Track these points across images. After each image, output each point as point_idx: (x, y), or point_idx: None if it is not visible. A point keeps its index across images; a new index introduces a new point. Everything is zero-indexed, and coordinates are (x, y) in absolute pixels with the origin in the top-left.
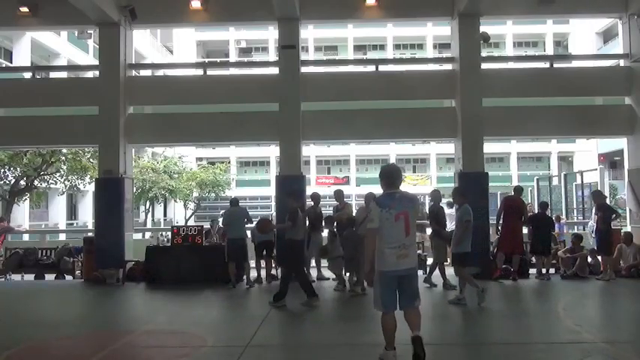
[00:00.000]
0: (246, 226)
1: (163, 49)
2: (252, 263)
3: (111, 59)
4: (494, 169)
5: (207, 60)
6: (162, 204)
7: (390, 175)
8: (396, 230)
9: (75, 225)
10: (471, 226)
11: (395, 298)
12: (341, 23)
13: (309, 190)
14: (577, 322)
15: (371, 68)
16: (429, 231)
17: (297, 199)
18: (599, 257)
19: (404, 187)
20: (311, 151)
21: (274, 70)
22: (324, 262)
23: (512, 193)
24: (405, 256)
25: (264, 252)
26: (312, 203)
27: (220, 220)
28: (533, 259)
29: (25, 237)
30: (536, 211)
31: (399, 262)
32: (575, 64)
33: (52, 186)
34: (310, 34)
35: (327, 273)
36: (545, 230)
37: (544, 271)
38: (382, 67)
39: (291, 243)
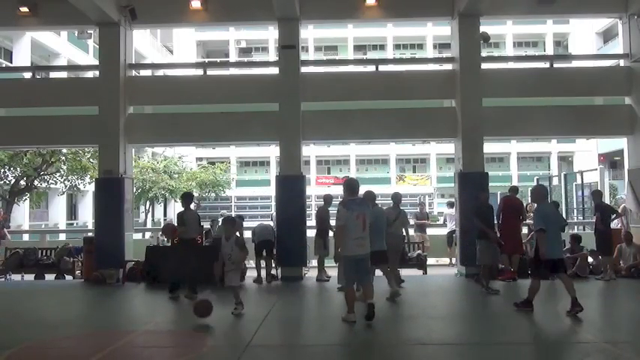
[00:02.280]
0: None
1: (163, 49)
2: (252, 263)
3: (111, 59)
4: (494, 169)
5: (207, 60)
6: (162, 204)
7: (353, 186)
8: (356, 226)
9: (75, 225)
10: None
11: (354, 277)
12: (341, 23)
13: (309, 191)
14: (577, 322)
15: (371, 68)
16: (429, 231)
17: (188, 203)
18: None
19: (404, 187)
20: (311, 151)
21: (274, 70)
22: (326, 263)
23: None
24: (362, 246)
25: (264, 252)
26: (323, 203)
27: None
28: None
29: (25, 237)
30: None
31: (358, 249)
32: (575, 64)
33: (52, 186)
34: (310, 34)
35: (328, 272)
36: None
37: None
38: (382, 67)
39: (180, 241)
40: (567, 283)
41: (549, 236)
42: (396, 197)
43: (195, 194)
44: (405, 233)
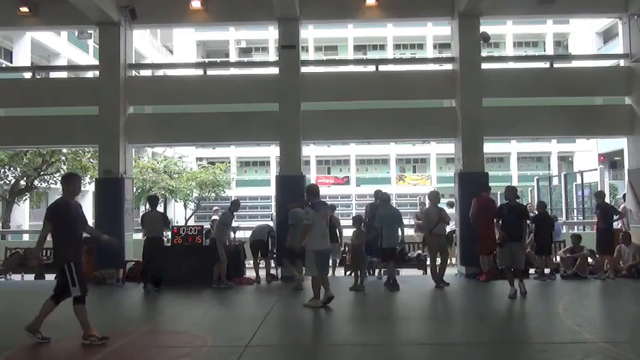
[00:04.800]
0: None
1: (163, 49)
2: (250, 263)
3: (111, 59)
4: (495, 169)
5: (207, 60)
6: (162, 204)
7: (316, 190)
8: (323, 224)
9: None
10: (293, 227)
11: (322, 267)
12: (341, 23)
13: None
14: (577, 322)
15: (371, 68)
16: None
17: (151, 205)
18: (599, 257)
19: (404, 187)
20: (311, 151)
21: (274, 70)
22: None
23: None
24: (325, 240)
25: (260, 253)
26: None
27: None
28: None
29: (25, 237)
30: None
31: (323, 243)
32: (575, 64)
33: (52, 186)
34: (310, 34)
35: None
36: (547, 229)
37: (547, 271)
38: (382, 67)
39: (145, 240)
40: (390, 269)
41: (386, 231)
42: (436, 196)
43: (195, 194)
44: (445, 232)
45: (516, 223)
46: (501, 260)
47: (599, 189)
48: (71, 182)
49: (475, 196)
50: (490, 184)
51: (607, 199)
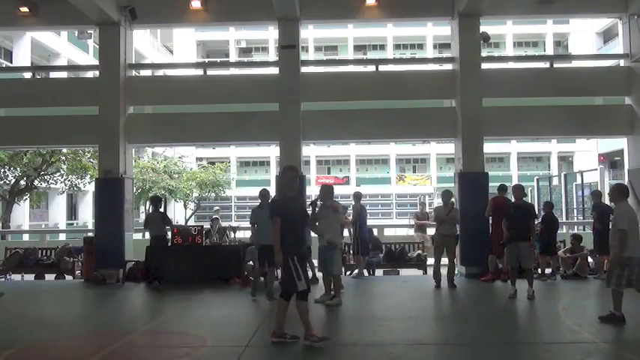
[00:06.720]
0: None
1: (163, 49)
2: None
3: (111, 59)
4: (495, 169)
5: (207, 60)
6: (162, 204)
7: (333, 191)
8: None
9: (75, 225)
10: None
11: None
12: (341, 23)
13: (309, 191)
14: (577, 322)
15: (371, 68)
16: (429, 231)
17: (153, 206)
18: (598, 257)
19: (404, 187)
20: (311, 151)
21: (274, 70)
22: None
23: (497, 192)
24: None
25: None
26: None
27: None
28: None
29: (25, 237)
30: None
31: None
32: (575, 64)
33: (52, 186)
34: (310, 34)
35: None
36: (554, 230)
37: (548, 270)
38: (382, 67)
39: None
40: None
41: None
42: (445, 195)
43: (195, 194)
44: (456, 232)
45: (523, 222)
46: (508, 260)
47: (598, 189)
48: (283, 176)
49: (491, 195)
50: (490, 184)
51: (607, 199)
